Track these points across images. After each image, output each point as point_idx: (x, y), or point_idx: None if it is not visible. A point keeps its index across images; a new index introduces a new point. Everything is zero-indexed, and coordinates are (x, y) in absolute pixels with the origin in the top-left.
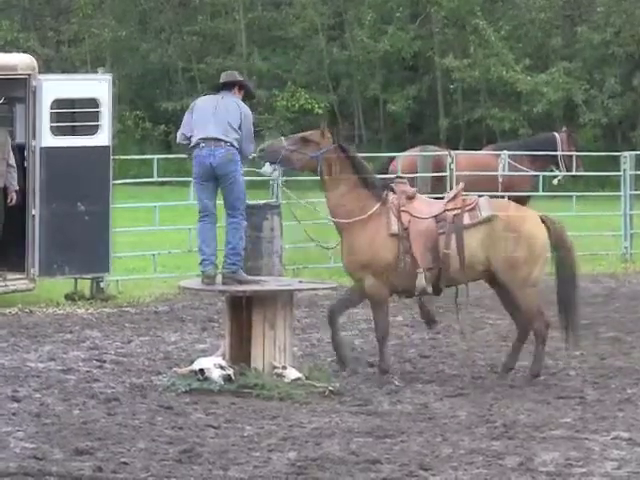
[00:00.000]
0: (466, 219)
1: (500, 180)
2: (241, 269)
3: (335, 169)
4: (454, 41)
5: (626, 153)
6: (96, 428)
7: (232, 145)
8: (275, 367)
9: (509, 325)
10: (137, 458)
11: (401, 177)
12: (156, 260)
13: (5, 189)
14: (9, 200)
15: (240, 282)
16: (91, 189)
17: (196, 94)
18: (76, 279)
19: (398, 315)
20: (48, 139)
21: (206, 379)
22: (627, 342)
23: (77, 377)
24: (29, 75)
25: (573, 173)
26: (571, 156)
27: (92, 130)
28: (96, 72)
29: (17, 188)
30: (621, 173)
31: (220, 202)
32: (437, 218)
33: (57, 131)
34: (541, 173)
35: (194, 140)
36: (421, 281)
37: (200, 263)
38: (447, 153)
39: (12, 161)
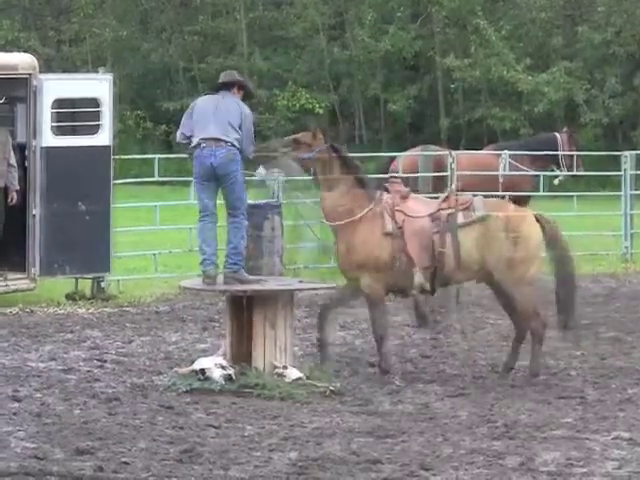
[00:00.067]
0: (460, 218)
1: (501, 180)
2: (242, 269)
3: (328, 170)
4: (455, 41)
5: (627, 153)
6: (97, 428)
7: (233, 145)
8: (276, 367)
9: (510, 325)
10: (138, 458)
11: (394, 177)
12: (157, 260)
13: (6, 189)
14: (10, 200)
15: (241, 282)
16: (92, 189)
17: (197, 94)
18: (77, 279)
19: (399, 315)
20: (49, 139)
21: (207, 379)
22: (628, 342)
23: (78, 377)
24: (30, 75)
25: (574, 173)
26: (572, 156)
27: (93, 130)
28: (97, 72)
29: (18, 188)
30: (622, 173)
31: (221, 202)
32: (432, 217)
33: (58, 131)
34: (542, 173)
35: (195, 140)
36: (419, 279)
37: (201, 263)
38: (448, 153)
39: (13, 161)
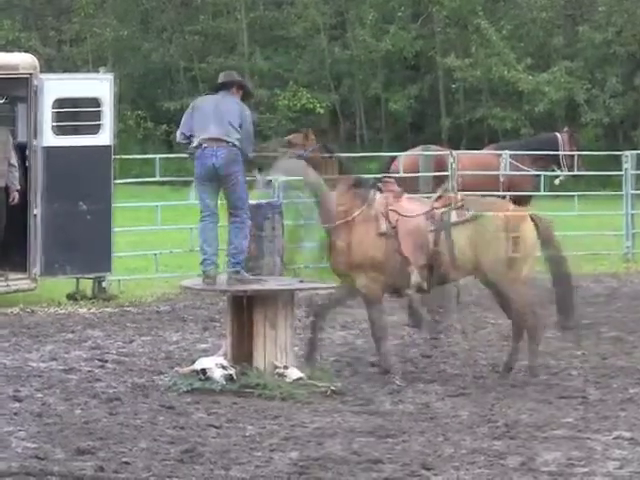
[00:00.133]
0: (454, 217)
1: (502, 180)
2: (243, 269)
3: (320, 170)
4: (456, 40)
5: (627, 152)
6: (98, 428)
7: (234, 145)
8: (277, 367)
9: (511, 324)
10: (139, 458)
11: (388, 177)
12: (158, 260)
13: (7, 189)
14: (11, 200)
15: (242, 282)
16: (93, 189)
17: (198, 94)
18: (78, 279)
19: (398, 315)
20: (50, 138)
21: (208, 379)
22: (629, 342)
23: (79, 377)
24: (31, 74)
25: (575, 173)
26: (572, 156)
27: (94, 129)
28: (98, 72)
29: (19, 188)
30: (623, 173)
31: (222, 202)
32: (426, 216)
33: (59, 130)
34: (543, 173)
35: (196, 141)
36: (416, 278)
37: (201, 263)
38: (449, 153)
39: (14, 160)
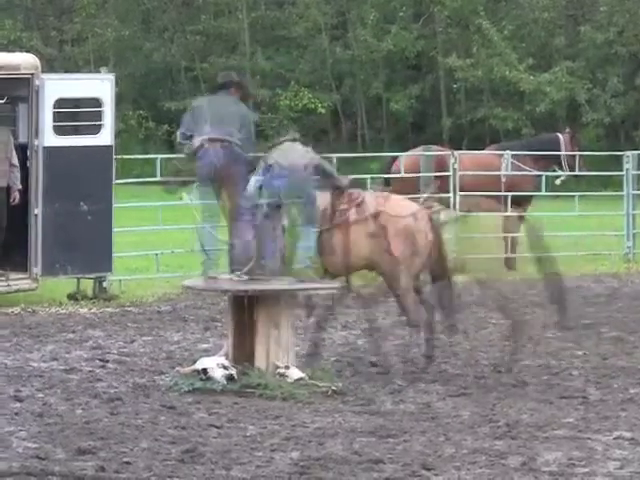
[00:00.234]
0: (353, 215)
1: (503, 180)
2: (244, 269)
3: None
4: (457, 41)
5: (629, 153)
6: (99, 428)
7: (236, 145)
8: (278, 367)
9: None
10: (140, 458)
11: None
12: (159, 260)
13: (8, 189)
14: (12, 199)
15: (244, 282)
16: (94, 189)
17: (199, 94)
18: (79, 279)
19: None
20: (51, 138)
21: (209, 379)
22: (630, 342)
23: (80, 377)
24: (32, 74)
25: (576, 173)
26: (574, 156)
27: (95, 129)
28: (99, 72)
29: (20, 187)
30: (624, 173)
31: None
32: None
33: (60, 130)
34: (544, 173)
35: (197, 141)
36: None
37: (202, 263)
38: (450, 153)
39: (15, 160)
